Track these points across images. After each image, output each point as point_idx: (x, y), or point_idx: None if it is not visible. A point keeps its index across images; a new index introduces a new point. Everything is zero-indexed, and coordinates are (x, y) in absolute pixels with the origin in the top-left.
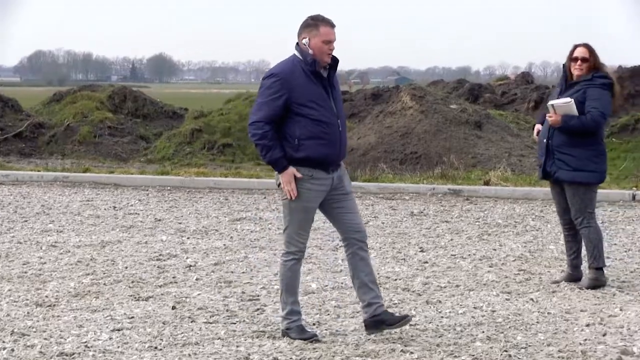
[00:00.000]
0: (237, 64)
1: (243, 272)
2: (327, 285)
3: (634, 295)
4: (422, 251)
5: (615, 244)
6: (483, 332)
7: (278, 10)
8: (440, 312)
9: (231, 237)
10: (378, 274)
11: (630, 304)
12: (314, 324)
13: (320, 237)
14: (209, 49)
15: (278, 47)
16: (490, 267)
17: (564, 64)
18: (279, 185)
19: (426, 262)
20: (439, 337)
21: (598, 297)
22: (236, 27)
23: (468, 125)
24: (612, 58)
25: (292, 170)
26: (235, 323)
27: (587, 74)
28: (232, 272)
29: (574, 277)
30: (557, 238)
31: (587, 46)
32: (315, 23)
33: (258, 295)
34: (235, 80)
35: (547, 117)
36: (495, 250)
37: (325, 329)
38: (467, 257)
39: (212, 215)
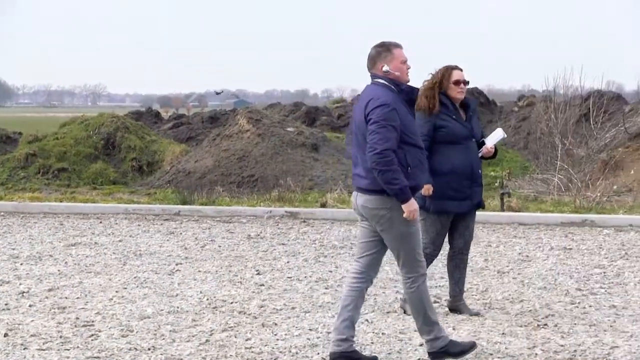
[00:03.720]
0: (74, 88)
1: (77, 298)
2: (162, 310)
3: (466, 314)
4: (258, 274)
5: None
6: (318, 353)
7: (116, 34)
8: (276, 334)
9: (66, 263)
10: (214, 297)
11: (463, 323)
12: (149, 349)
13: (157, 261)
14: (44, 72)
15: (115, 72)
16: (326, 288)
17: (441, 91)
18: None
19: (262, 285)
20: (274, 359)
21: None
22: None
23: (305, 148)
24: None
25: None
26: (69, 349)
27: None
28: (66, 297)
29: (459, 303)
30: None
31: (460, 68)
32: (387, 48)
33: (93, 321)
34: (71, 104)
35: (483, 150)
36: (331, 272)
37: (161, 354)
38: (303, 279)
39: (47, 241)
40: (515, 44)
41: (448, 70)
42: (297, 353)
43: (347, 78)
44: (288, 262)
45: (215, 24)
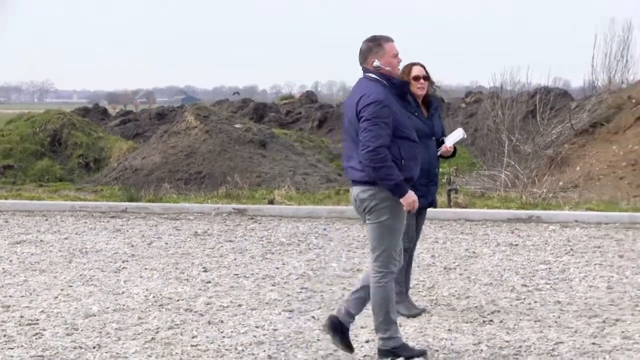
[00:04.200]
0: (20, 84)
1: (22, 296)
2: (108, 308)
3: (405, 314)
4: (205, 271)
5: None
6: (264, 351)
7: (63, 30)
8: (222, 332)
9: (10, 261)
10: (160, 295)
11: (410, 320)
12: (94, 347)
13: (103, 259)
14: None
15: (61, 67)
16: (273, 285)
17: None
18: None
19: (209, 282)
20: (220, 357)
21: (374, 321)
22: (19, 46)
23: (252, 145)
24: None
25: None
26: (13, 348)
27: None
28: (10, 296)
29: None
30: (340, 256)
31: (422, 64)
32: (378, 43)
33: (37, 320)
34: (18, 101)
35: (442, 149)
36: (278, 268)
37: (106, 352)
38: (250, 276)
39: None
40: (463, 40)
41: (408, 66)
42: (243, 350)
43: (296, 74)
44: (235, 259)
45: (163, 21)
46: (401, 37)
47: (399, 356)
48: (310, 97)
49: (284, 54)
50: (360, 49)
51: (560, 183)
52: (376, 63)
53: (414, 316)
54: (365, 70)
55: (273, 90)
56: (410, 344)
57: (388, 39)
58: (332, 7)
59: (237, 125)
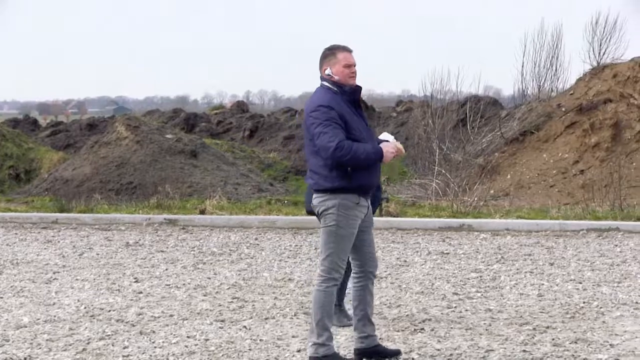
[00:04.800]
0: None
1: None
2: (39, 319)
3: (337, 325)
4: (136, 281)
5: None
6: None
7: None
8: (153, 342)
9: None
10: (92, 305)
11: (341, 329)
12: (25, 358)
13: (34, 270)
14: None
15: None
16: (204, 295)
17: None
18: (317, 213)
19: (141, 293)
20: None
21: (309, 323)
22: None
23: (184, 155)
24: None
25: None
26: None
27: None
28: None
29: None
30: (271, 265)
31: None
32: (332, 52)
33: None
34: None
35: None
36: (209, 278)
37: None
38: (181, 286)
39: None
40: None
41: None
42: None
43: (228, 84)
44: (167, 269)
45: (95, 31)
46: (330, 43)
47: None
48: (241, 106)
49: (215, 64)
50: (320, 56)
51: (491, 191)
52: (328, 71)
53: (346, 326)
54: (320, 78)
55: (204, 100)
56: (342, 352)
57: (344, 49)
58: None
59: (168, 136)
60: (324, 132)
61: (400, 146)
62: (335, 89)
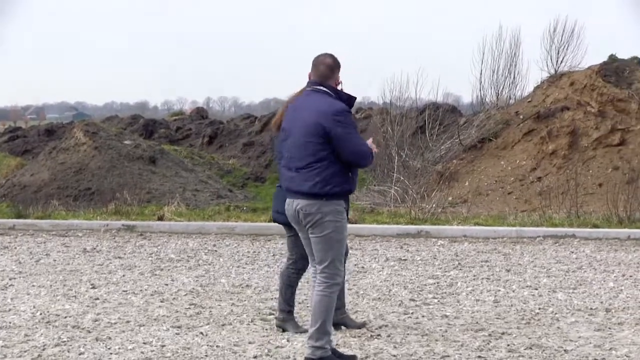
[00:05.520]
0: None
1: None
2: None
3: (292, 332)
4: (93, 288)
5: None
6: None
7: None
8: (109, 348)
9: None
10: (48, 312)
11: (298, 335)
12: None
13: None
14: None
15: None
16: (161, 302)
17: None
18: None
19: (97, 299)
20: None
21: (266, 329)
22: None
23: (142, 161)
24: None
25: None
26: None
27: None
28: None
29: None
30: (229, 272)
31: None
32: (339, 64)
33: None
34: None
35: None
36: (167, 285)
37: None
38: (138, 292)
39: None
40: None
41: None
42: None
43: (188, 91)
44: (124, 275)
45: (54, 35)
46: (290, 53)
47: None
48: (200, 113)
49: (175, 71)
50: (325, 63)
51: (449, 198)
52: (340, 86)
53: (303, 332)
54: (316, 84)
55: (164, 107)
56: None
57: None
58: (221, 22)
59: (126, 142)
60: (358, 138)
61: (374, 146)
62: (335, 95)
